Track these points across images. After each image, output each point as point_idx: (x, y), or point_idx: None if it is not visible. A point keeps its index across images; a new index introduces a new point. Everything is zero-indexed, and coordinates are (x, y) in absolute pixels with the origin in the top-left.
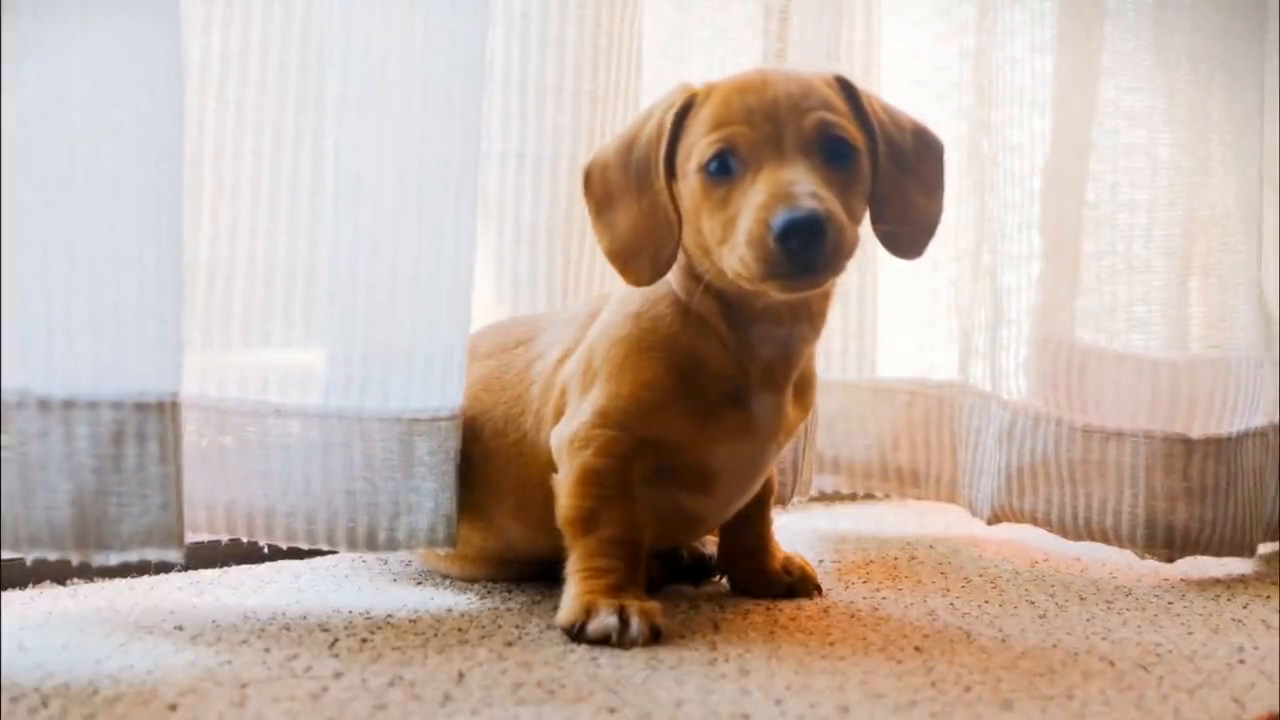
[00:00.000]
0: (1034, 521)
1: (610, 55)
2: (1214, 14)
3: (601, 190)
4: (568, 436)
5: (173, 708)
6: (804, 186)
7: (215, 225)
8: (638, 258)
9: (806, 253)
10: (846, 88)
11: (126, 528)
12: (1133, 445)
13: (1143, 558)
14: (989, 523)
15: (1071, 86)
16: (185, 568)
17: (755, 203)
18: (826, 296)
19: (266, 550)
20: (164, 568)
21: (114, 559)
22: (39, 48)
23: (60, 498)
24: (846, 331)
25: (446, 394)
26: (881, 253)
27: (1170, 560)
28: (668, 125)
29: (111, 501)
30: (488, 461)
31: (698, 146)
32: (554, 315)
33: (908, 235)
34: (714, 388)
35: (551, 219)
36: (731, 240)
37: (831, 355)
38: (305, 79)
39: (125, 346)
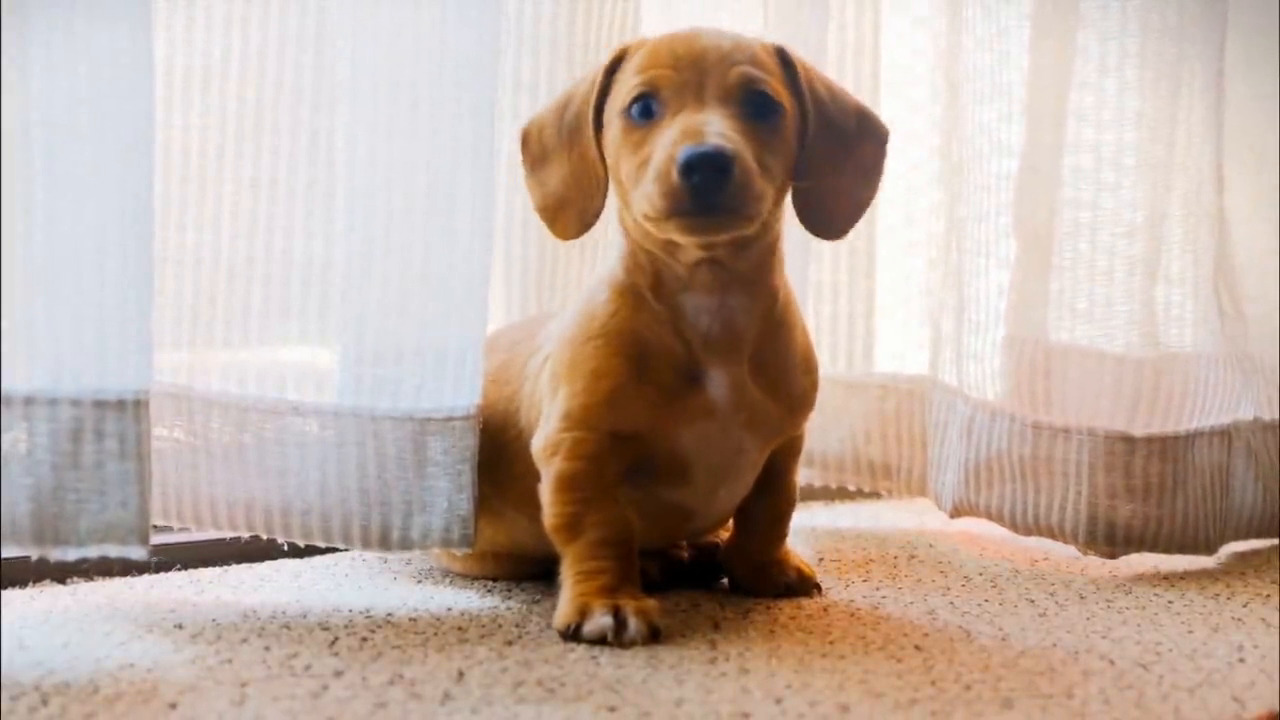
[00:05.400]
0: (989, 516)
1: (599, 53)
2: (1178, 15)
3: (538, 149)
4: (541, 445)
5: (173, 706)
6: (715, 127)
7: (235, 223)
8: (565, 212)
9: (709, 189)
10: (783, 55)
11: (84, 524)
12: (1078, 442)
13: (1084, 554)
14: (951, 516)
15: (1043, 89)
16: (185, 566)
17: (666, 141)
18: (764, 265)
19: (267, 547)
20: (164, 566)
21: (72, 555)
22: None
23: (20, 493)
24: (823, 328)
25: (460, 394)
26: (878, 252)
27: (1112, 557)
28: (599, 78)
29: (69, 498)
30: (496, 454)
31: (621, 92)
32: (555, 313)
33: (828, 213)
34: (664, 368)
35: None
36: (643, 181)
37: (820, 351)
38: (320, 77)
39: (87, 344)
